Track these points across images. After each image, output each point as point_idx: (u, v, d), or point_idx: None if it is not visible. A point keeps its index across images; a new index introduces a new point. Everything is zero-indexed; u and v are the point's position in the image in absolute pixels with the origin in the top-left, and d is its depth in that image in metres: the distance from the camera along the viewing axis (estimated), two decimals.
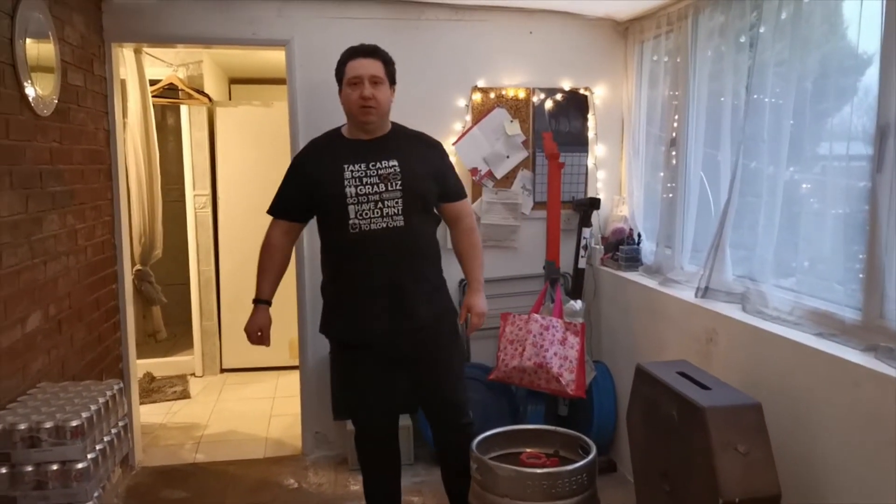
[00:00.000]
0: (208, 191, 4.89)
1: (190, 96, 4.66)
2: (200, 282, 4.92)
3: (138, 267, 4.25)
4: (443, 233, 2.66)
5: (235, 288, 4.94)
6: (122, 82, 3.67)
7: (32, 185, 2.46)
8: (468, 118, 3.53)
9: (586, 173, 3.65)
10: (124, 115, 3.71)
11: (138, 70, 4.01)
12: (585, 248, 3.45)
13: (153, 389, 4.55)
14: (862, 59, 2.05)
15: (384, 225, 2.37)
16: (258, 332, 2.50)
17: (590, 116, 3.63)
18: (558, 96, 3.59)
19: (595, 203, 3.48)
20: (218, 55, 5.03)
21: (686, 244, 2.95)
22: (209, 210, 4.90)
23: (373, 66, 2.40)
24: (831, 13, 2.17)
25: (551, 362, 3.07)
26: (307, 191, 2.46)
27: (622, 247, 3.39)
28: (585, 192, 3.64)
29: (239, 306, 4.92)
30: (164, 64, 4.68)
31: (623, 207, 3.58)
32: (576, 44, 3.59)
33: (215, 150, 4.91)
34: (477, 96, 3.53)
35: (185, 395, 4.52)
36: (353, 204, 2.36)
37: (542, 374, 3.08)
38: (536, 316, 3.18)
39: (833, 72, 2.17)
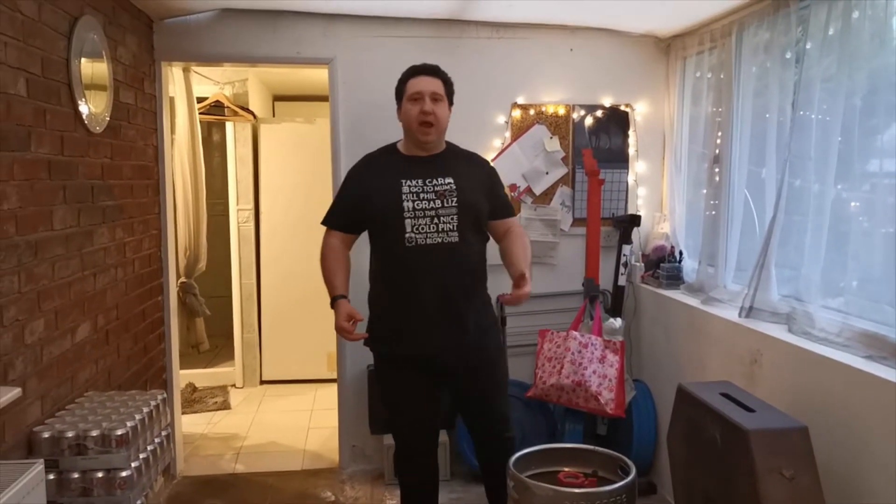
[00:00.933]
0: (251, 205, 4.99)
1: (235, 113, 4.77)
2: (242, 295, 5.01)
3: (183, 279, 4.34)
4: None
5: (276, 301, 5.01)
6: (171, 100, 3.78)
7: (84, 199, 2.54)
8: (507, 135, 3.54)
9: (626, 190, 3.62)
10: (172, 131, 3.82)
11: (186, 88, 4.12)
12: (625, 265, 3.41)
13: (195, 400, 4.63)
14: None
15: (439, 240, 2.40)
16: (349, 319, 2.40)
17: (630, 133, 3.61)
18: (598, 113, 3.58)
19: (636, 220, 3.45)
20: (263, 73, 5.14)
21: (729, 262, 2.90)
22: (252, 224, 5.00)
23: (433, 84, 2.46)
24: (881, 28, 2.13)
25: (590, 380, 3.03)
26: (361, 203, 2.50)
27: (663, 264, 3.34)
28: (626, 209, 3.61)
29: (279, 319, 5.01)
30: (210, 82, 4.81)
31: (664, 224, 3.54)
32: (617, 60, 3.58)
33: (259, 166, 5.00)
34: (517, 113, 3.54)
35: (225, 405, 4.59)
36: (409, 218, 2.40)
37: (581, 393, 3.05)
38: (575, 333, 3.15)
39: (883, 88, 2.12)
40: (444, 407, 2.61)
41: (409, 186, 2.42)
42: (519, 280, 2.40)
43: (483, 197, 2.51)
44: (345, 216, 2.56)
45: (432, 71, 2.50)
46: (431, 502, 2.69)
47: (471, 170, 2.54)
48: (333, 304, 2.47)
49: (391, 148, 2.59)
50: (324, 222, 2.60)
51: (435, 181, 2.43)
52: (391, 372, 2.55)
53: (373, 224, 2.52)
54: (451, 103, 2.53)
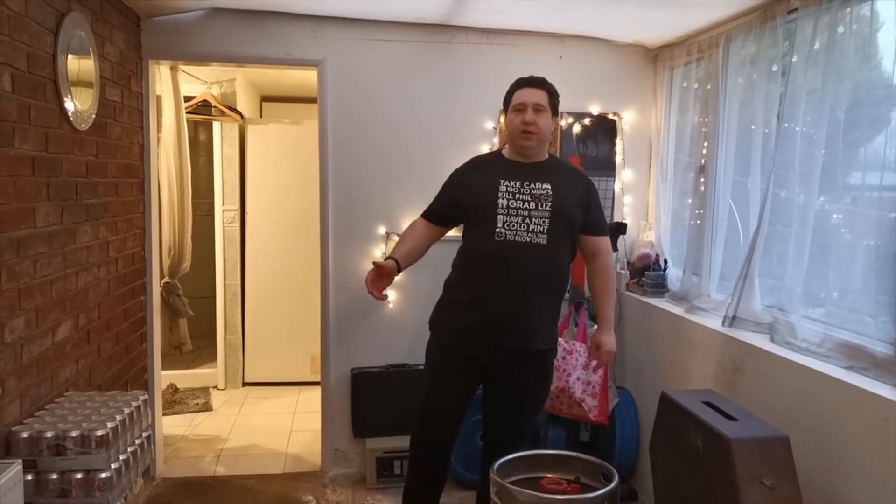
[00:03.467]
0: (237, 206, 4.96)
1: (222, 113, 4.75)
2: (226, 296, 4.98)
3: (166, 279, 4.31)
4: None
5: (260, 303, 4.98)
6: (158, 98, 3.76)
7: (68, 197, 2.51)
8: (496, 140, 3.54)
9: (613, 198, 3.64)
10: (158, 130, 3.79)
11: (173, 87, 4.10)
12: None
13: (176, 401, 4.59)
14: None
15: (528, 239, 2.47)
16: (381, 270, 2.48)
17: (618, 141, 3.63)
18: (586, 121, 3.60)
19: (621, 228, 3.47)
20: (251, 73, 5.12)
21: (714, 272, 2.93)
22: (237, 225, 4.97)
23: (538, 96, 2.53)
24: (865, 43, 2.16)
25: (574, 387, 3.04)
26: (460, 196, 2.60)
27: (648, 272, 3.37)
28: (612, 217, 3.63)
29: (263, 321, 4.99)
30: (198, 81, 4.78)
31: (650, 233, 3.56)
32: (605, 69, 3.60)
33: (245, 167, 4.98)
34: (504, 119, 3.54)
35: (207, 407, 4.56)
36: (502, 214, 2.48)
37: (565, 399, 3.05)
38: (560, 340, 3.16)
39: (866, 101, 2.15)
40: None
41: (507, 186, 2.51)
42: (597, 345, 2.58)
43: (578, 208, 2.56)
44: (437, 208, 2.68)
45: (538, 83, 2.57)
46: (437, 491, 2.74)
47: (570, 181, 2.60)
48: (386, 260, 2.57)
49: (497, 153, 2.72)
50: (423, 214, 2.72)
51: (532, 185, 2.51)
52: (443, 355, 2.61)
53: (467, 215, 2.60)
54: (555, 114, 2.60)
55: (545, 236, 2.47)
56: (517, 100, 2.55)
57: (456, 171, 2.72)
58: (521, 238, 2.47)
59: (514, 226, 2.48)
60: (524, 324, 2.51)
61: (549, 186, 2.51)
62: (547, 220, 2.48)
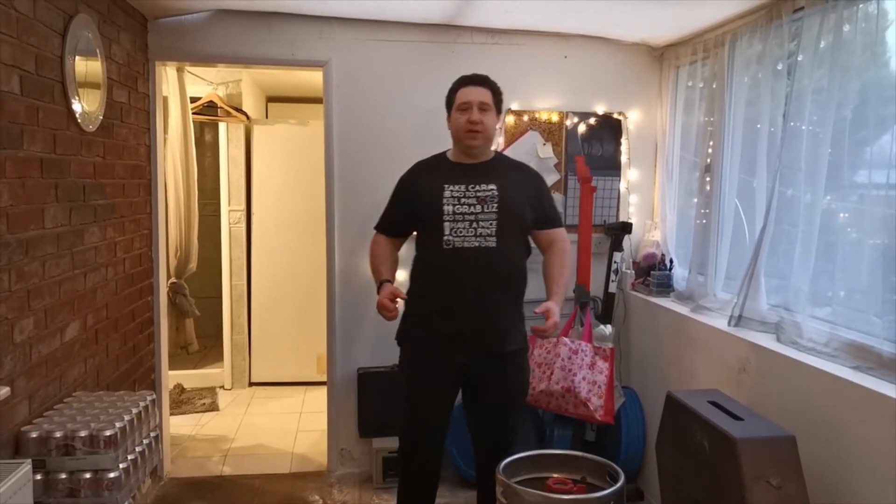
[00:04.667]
0: (243, 206, 4.98)
1: (228, 114, 4.76)
2: (232, 296, 4.99)
3: (173, 280, 4.32)
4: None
5: (266, 303, 5.00)
6: (164, 99, 3.77)
7: (76, 198, 2.53)
8: (501, 140, 3.55)
9: (618, 197, 3.64)
10: (165, 131, 3.80)
11: (180, 88, 4.11)
12: (616, 272, 3.43)
13: (183, 401, 4.60)
14: None
15: (477, 244, 2.45)
16: (391, 296, 2.47)
17: (623, 141, 3.63)
18: (592, 120, 3.60)
19: (627, 227, 3.47)
20: (257, 74, 5.14)
21: (719, 271, 2.92)
22: (243, 225, 4.98)
23: (482, 94, 2.51)
24: (872, 41, 2.15)
25: (580, 387, 3.04)
26: (408, 207, 2.59)
27: (654, 272, 3.36)
28: (617, 217, 3.63)
29: (269, 321, 5.00)
30: (204, 82, 4.79)
31: (655, 232, 3.56)
32: (610, 68, 3.60)
33: (251, 167, 4.99)
34: (510, 119, 3.55)
35: (213, 407, 4.57)
36: (448, 221, 2.46)
37: (570, 399, 3.05)
38: (565, 339, 3.16)
39: (873, 100, 2.15)
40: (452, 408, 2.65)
41: (451, 191, 2.48)
42: (544, 312, 2.47)
43: (527, 205, 2.54)
44: (389, 221, 2.69)
45: (481, 81, 2.55)
46: (431, 498, 2.71)
47: (516, 178, 2.58)
48: (379, 289, 2.55)
49: (440, 156, 2.67)
50: (376, 227, 2.72)
51: (477, 187, 2.49)
52: (417, 370, 2.59)
53: (417, 226, 2.60)
54: (499, 112, 2.58)
55: (494, 238, 2.45)
56: (461, 99, 2.51)
57: (401, 179, 2.68)
58: (469, 244, 2.44)
59: (461, 231, 2.44)
60: (487, 328, 2.48)
61: (494, 187, 2.48)
62: (494, 222, 2.45)
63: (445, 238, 2.45)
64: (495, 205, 2.46)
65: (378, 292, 2.54)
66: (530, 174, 2.66)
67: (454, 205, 2.46)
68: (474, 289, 2.45)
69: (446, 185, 2.49)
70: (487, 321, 2.48)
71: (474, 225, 2.45)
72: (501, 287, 2.50)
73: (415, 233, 2.66)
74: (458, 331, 2.48)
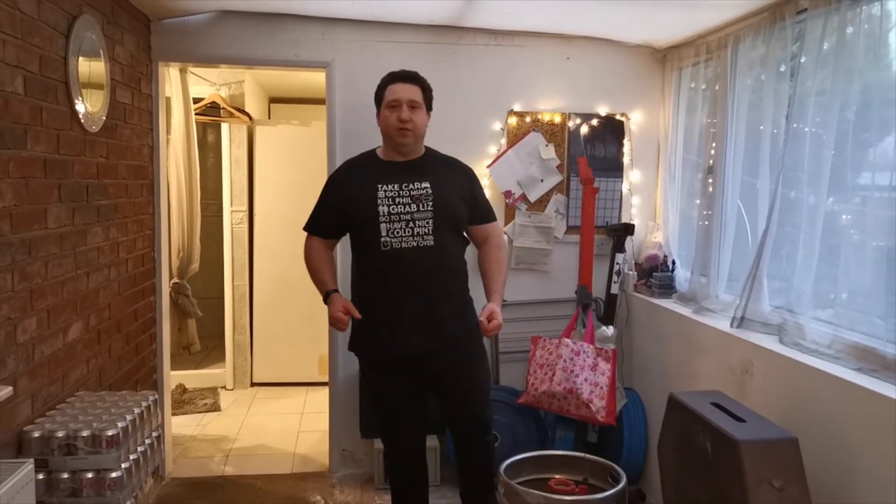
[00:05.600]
0: (245, 207, 4.98)
1: (231, 114, 4.77)
2: (234, 296, 5.00)
3: (175, 280, 4.33)
4: (470, 257, 2.67)
5: (268, 303, 5.00)
6: (167, 100, 3.78)
7: (79, 198, 2.53)
8: (503, 141, 3.55)
9: (621, 199, 3.64)
10: (168, 131, 3.81)
11: (183, 88, 4.12)
12: (618, 273, 3.43)
13: (185, 401, 4.61)
14: None
15: (415, 244, 2.43)
16: (343, 311, 2.45)
17: (625, 142, 3.63)
18: (594, 121, 3.60)
19: (629, 229, 3.47)
20: (259, 75, 5.14)
21: (722, 273, 2.92)
22: (245, 226, 4.99)
23: (412, 91, 2.48)
24: (875, 43, 2.15)
25: (581, 388, 3.04)
26: (341, 209, 2.54)
27: (656, 273, 3.36)
28: (620, 218, 3.63)
29: (271, 321, 5.00)
30: (207, 83, 4.80)
31: (657, 234, 3.56)
32: (613, 70, 3.60)
33: (253, 168, 5.00)
34: (512, 120, 3.56)
35: (215, 407, 4.57)
36: (385, 222, 2.43)
37: (572, 400, 3.05)
38: (567, 340, 3.16)
39: (876, 102, 2.15)
40: (431, 410, 2.62)
41: (385, 191, 2.45)
42: (488, 316, 2.45)
43: (461, 201, 2.53)
44: (323, 223, 2.61)
45: (411, 78, 2.52)
46: (423, 496, 2.71)
47: (449, 174, 2.56)
48: (327, 300, 2.52)
49: (370, 154, 2.63)
50: (305, 228, 2.65)
51: (411, 185, 2.46)
52: (375, 374, 2.59)
53: (351, 229, 2.56)
54: (429, 109, 2.55)
55: (432, 237, 2.43)
56: (390, 96, 2.47)
57: (330, 178, 2.65)
58: (407, 244, 2.42)
59: (398, 232, 2.42)
60: (433, 324, 2.46)
61: (427, 185, 2.46)
62: (430, 221, 2.43)
63: (383, 239, 2.42)
64: (430, 203, 2.44)
65: (325, 302, 2.52)
66: (461, 169, 2.64)
67: (389, 205, 2.43)
68: (416, 288, 2.44)
69: (380, 185, 2.45)
70: (432, 317, 2.46)
71: (411, 225, 2.43)
72: (443, 284, 2.49)
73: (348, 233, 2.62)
74: (407, 330, 2.45)
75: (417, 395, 2.58)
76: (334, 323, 2.47)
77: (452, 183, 2.54)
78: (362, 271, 2.56)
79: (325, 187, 2.64)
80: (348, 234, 2.62)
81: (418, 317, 2.45)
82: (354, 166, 2.62)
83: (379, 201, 2.44)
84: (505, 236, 2.70)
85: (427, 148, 2.61)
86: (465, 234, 2.62)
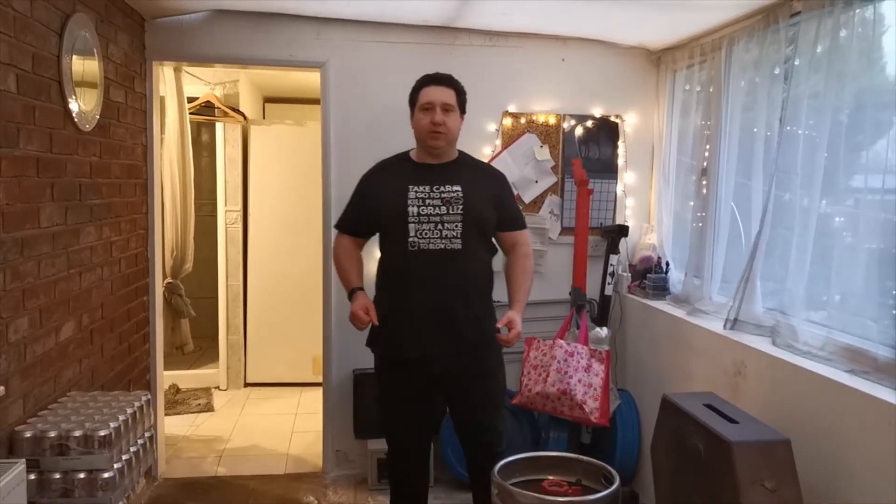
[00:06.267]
0: (240, 207, 4.97)
1: (225, 114, 4.76)
2: (228, 296, 4.98)
3: (169, 280, 4.31)
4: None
5: (262, 303, 4.99)
6: (161, 99, 3.76)
7: (72, 197, 2.52)
8: (498, 142, 3.55)
9: (615, 200, 3.64)
10: (162, 131, 3.80)
11: (177, 88, 4.11)
12: (612, 275, 3.44)
13: (178, 401, 4.59)
14: None
15: (442, 246, 2.43)
16: (365, 310, 2.44)
17: (620, 144, 3.63)
18: (589, 123, 3.60)
19: (623, 230, 3.47)
20: (254, 74, 5.13)
21: (715, 274, 2.93)
22: (240, 226, 4.98)
23: (445, 94, 2.48)
24: (868, 47, 2.16)
25: (575, 389, 3.04)
26: (371, 207, 2.55)
27: (650, 275, 3.37)
28: (614, 219, 3.64)
29: (265, 322, 4.99)
30: (201, 82, 4.79)
31: (651, 235, 3.56)
32: (608, 72, 3.61)
33: (248, 168, 4.99)
34: (507, 121, 3.56)
35: (208, 408, 4.56)
36: (413, 223, 2.43)
37: (566, 401, 3.05)
38: (561, 342, 3.16)
39: (869, 105, 2.16)
40: (439, 412, 2.63)
41: (416, 192, 2.46)
42: (507, 324, 2.44)
43: (490, 207, 2.52)
44: (354, 221, 2.63)
45: (445, 81, 2.52)
46: (421, 498, 2.71)
47: (481, 179, 2.56)
48: (351, 296, 2.53)
49: (404, 155, 2.64)
50: (336, 226, 2.69)
51: (442, 188, 2.46)
52: (389, 373, 2.58)
53: (380, 228, 2.57)
54: (463, 112, 2.55)
55: (459, 241, 2.43)
56: (424, 98, 2.48)
57: (362, 179, 2.64)
58: (435, 246, 2.42)
59: (426, 233, 2.42)
60: (455, 328, 2.46)
61: (459, 188, 2.46)
62: (459, 224, 2.43)
63: (410, 240, 2.43)
64: (460, 206, 2.44)
65: (350, 299, 2.52)
66: (494, 175, 2.65)
67: (419, 206, 2.44)
68: (440, 291, 2.44)
69: (411, 186, 2.46)
70: (454, 321, 2.46)
71: (439, 227, 2.43)
72: (467, 287, 2.49)
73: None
74: (427, 332, 2.46)
75: (427, 398, 2.60)
76: (353, 319, 2.47)
77: (483, 187, 2.53)
78: (387, 269, 2.56)
79: (357, 186, 2.65)
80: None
81: (438, 319, 2.45)
82: (387, 167, 2.63)
83: (409, 202, 2.44)
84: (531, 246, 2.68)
85: (460, 152, 2.62)
86: (493, 240, 2.61)
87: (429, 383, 2.55)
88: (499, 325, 2.48)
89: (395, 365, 2.54)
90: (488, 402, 2.60)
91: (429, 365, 2.49)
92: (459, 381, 2.54)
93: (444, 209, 2.44)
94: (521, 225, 2.65)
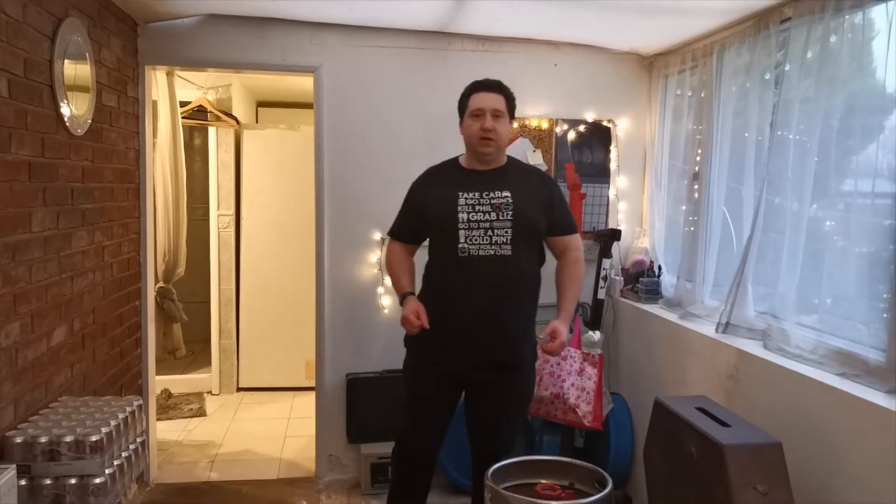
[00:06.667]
0: (232, 211, 4.96)
1: (218, 118, 4.75)
2: (221, 301, 4.97)
3: (161, 284, 4.30)
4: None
5: (255, 308, 4.98)
6: (154, 103, 3.76)
7: (64, 202, 2.51)
8: None
9: (608, 204, 3.66)
10: (154, 135, 3.79)
11: (169, 92, 4.10)
12: (605, 279, 3.44)
13: (170, 406, 4.57)
14: (890, 98, 2.05)
15: (492, 252, 2.43)
16: (416, 314, 2.43)
17: (612, 148, 3.65)
18: (581, 128, 3.62)
19: (616, 234, 3.49)
20: (247, 79, 5.13)
21: (707, 278, 2.94)
22: (232, 230, 4.97)
23: (495, 101, 2.48)
24: (859, 52, 2.18)
25: (568, 393, 3.05)
26: (421, 213, 2.56)
27: (642, 279, 3.38)
28: (606, 223, 3.65)
29: (258, 326, 4.98)
30: (194, 86, 4.78)
31: (644, 239, 3.58)
32: (600, 76, 3.62)
33: (240, 172, 4.98)
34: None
35: (201, 412, 4.54)
36: (463, 229, 2.43)
37: (559, 405, 3.06)
38: None
39: (859, 110, 2.18)
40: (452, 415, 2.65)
41: (466, 198, 2.46)
42: (550, 333, 2.45)
43: (540, 212, 2.51)
44: (405, 228, 2.65)
45: (495, 87, 2.52)
46: (420, 500, 2.71)
47: (530, 184, 2.55)
48: (403, 301, 2.53)
49: (453, 161, 2.64)
50: (388, 233, 2.70)
51: (492, 194, 2.46)
52: (421, 373, 2.59)
53: (430, 233, 2.58)
54: (512, 118, 2.55)
55: (509, 247, 2.43)
56: (474, 105, 2.49)
57: (413, 185, 2.66)
58: (484, 252, 2.42)
59: (476, 239, 2.43)
60: (498, 338, 2.47)
61: (508, 194, 2.46)
62: (509, 230, 2.43)
63: (461, 246, 2.43)
64: (510, 212, 2.44)
65: (401, 303, 2.53)
66: (544, 179, 2.65)
67: (469, 212, 2.44)
68: (488, 297, 2.44)
69: (460, 193, 2.47)
70: (499, 331, 2.46)
71: (489, 233, 2.43)
72: (516, 296, 2.48)
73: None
74: (468, 339, 2.46)
75: (452, 403, 2.61)
76: (404, 322, 2.47)
77: (532, 192, 2.52)
78: (435, 272, 2.56)
79: (408, 194, 2.66)
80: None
81: (482, 326, 2.45)
82: (436, 173, 2.64)
83: (459, 208, 2.44)
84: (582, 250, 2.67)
85: (509, 157, 2.62)
86: (544, 245, 2.60)
87: (457, 388, 2.58)
88: (541, 336, 2.48)
89: (429, 367, 2.55)
90: (514, 416, 2.63)
91: (464, 372, 2.51)
92: (489, 391, 2.54)
93: (493, 215, 2.44)
94: (572, 229, 2.63)
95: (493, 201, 2.45)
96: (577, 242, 2.63)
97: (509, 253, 2.43)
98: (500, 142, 2.48)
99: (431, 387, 2.56)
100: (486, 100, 2.48)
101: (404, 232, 2.65)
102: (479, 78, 2.59)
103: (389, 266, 2.67)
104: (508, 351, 2.49)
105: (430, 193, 2.56)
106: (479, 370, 2.49)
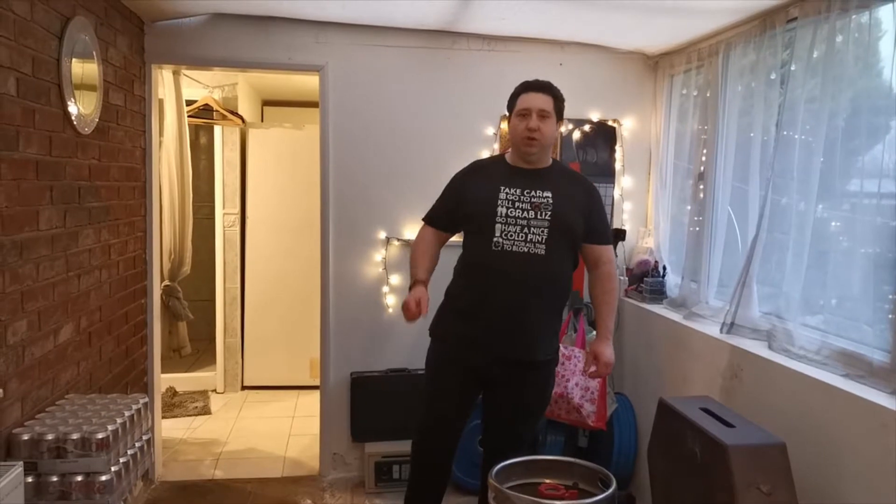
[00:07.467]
0: (237, 210, 4.97)
1: (224, 117, 4.76)
2: (226, 299, 4.98)
3: (167, 282, 4.32)
4: None
5: (260, 306, 4.99)
6: (160, 102, 3.77)
7: (71, 200, 2.52)
8: (496, 146, 3.56)
9: (612, 204, 3.65)
10: (160, 133, 3.80)
11: (176, 91, 4.12)
12: None
13: (175, 404, 4.59)
14: None
15: (525, 249, 2.44)
16: (416, 301, 2.45)
17: (617, 148, 3.65)
18: (586, 127, 3.62)
19: (620, 234, 3.49)
20: (252, 77, 5.14)
21: (712, 278, 2.94)
22: (237, 229, 4.98)
23: (543, 101, 2.50)
24: (865, 52, 2.18)
25: (572, 393, 3.05)
26: (461, 203, 2.57)
27: (647, 279, 3.38)
28: (611, 223, 3.64)
29: (262, 324, 4.99)
30: (200, 85, 4.80)
31: (649, 239, 3.58)
32: (605, 76, 3.62)
33: (246, 171, 4.99)
34: (506, 125, 3.56)
35: (205, 410, 4.56)
36: (500, 223, 2.45)
37: (563, 405, 3.06)
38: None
39: (865, 110, 2.17)
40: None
41: (507, 194, 2.48)
42: (594, 358, 2.50)
43: (580, 217, 2.52)
44: (440, 214, 2.66)
45: (543, 87, 2.53)
46: (437, 498, 2.72)
47: (572, 188, 2.56)
48: (412, 287, 2.54)
49: (499, 157, 2.67)
50: (424, 218, 2.70)
51: (533, 193, 2.48)
52: (444, 365, 2.59)
53: (466, 224, 2.59)
54: (560, 119, 2.56)
55: (543, 246, 2.44)
56: (521, 105, 2.51)
57: (457, 175, 2.68)
58: (518, 248, 2.44)
59: (511, 235, 2.45)
60: (523, 335, 2.48)
61: (549, 194, 2.48)
62: (546, 230, 2.44)
63: (495, 240, 2.45)
64: (549, 213, 2.45)
65: (410, 288, 2.54)
66: (586, 186, 2.64)
67: (508, 207, 2.46)
68: (517, 293, 2.45)
69: (502, 187, 2.48)
70: (524, 328, 2.48)
71: (525, 230, 2.44)
72: (544, 296, 2.49)
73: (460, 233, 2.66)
74: (493, 333, 2.47)
75: (472, 399, 2.62)
76: (403, 308, 2.48)
77: (573, 196, 2.53)
78: (467, 264, 2.57)
79: (450, 182, 2.68)
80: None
81: (509, 322, 2.46)
82: (481, 167, 2.68)
83: (499, 202, 2.46)
84: (615, 263, 2.69)
85: (554, 160, 2.64)
86: (577, 251, 2.60)
87: (478, 383, 2.59)
88: (585, 367, 2.55)
89: (452, 358, 2.56)
90: (532, 417, 2.64)
91: (486, 366, 2.51)
92: (509, 389, 2.55)
93: (532, 213, 2.45)
94: (606, 240, 2.63)
95: (533, 200, 2.47)
96: (609, 255, 2.63)
97: (543, 252, 2.44)
98: (544, 142, 2.49)
99: (454, 380, 2.57)
100: (533, 100, 2.49)
101: (440, 217, 2.65)
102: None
103: (415, 248, 2.66)
104: (524, 350, 2.50)
105: (473, 184, 2.58)
106: (498, 366, 2.50)
